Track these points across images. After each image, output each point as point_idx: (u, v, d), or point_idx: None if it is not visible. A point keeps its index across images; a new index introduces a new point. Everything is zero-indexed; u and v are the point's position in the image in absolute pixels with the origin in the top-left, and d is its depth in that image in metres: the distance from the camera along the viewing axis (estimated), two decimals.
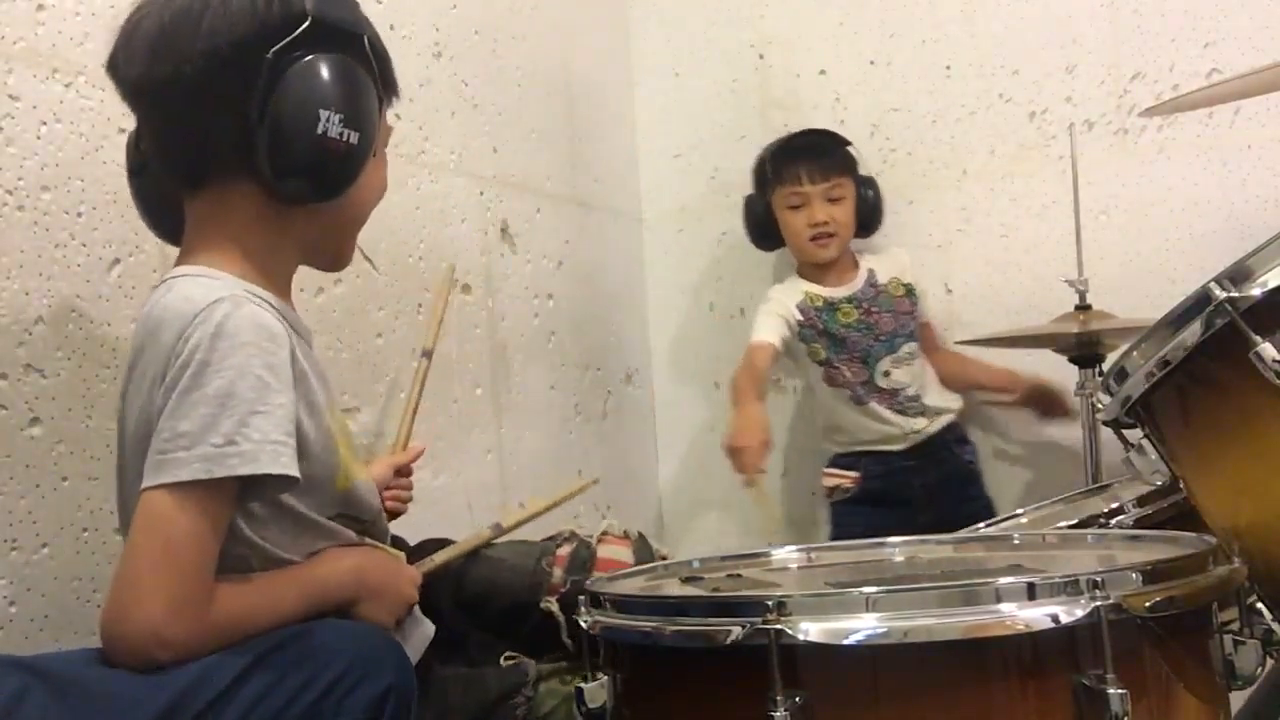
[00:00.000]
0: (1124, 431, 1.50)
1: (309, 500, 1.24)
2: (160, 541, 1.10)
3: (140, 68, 1.22)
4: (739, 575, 1.37)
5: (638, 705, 1.17)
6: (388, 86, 1.33)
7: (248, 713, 1.06)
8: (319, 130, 1.20)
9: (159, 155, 1.29)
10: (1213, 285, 1.23)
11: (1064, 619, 1.01)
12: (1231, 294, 1.22)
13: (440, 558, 1.51)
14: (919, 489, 2.42)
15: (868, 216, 2.54)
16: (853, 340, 2.47)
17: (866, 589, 1.07)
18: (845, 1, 2.73)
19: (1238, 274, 1.23)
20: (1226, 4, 2.43)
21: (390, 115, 1.36)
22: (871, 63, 2.72)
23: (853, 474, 2.48)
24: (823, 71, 2.76)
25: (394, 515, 1.67)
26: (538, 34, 2.53)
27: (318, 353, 1.35)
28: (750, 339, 2.47)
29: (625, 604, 1.17)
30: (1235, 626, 1.16)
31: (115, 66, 1.25)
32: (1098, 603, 1.00)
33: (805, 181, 2.48)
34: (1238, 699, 1.18)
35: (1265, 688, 1.51)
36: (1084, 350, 2.14)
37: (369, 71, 1.27)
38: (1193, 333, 1.25)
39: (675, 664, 1.12)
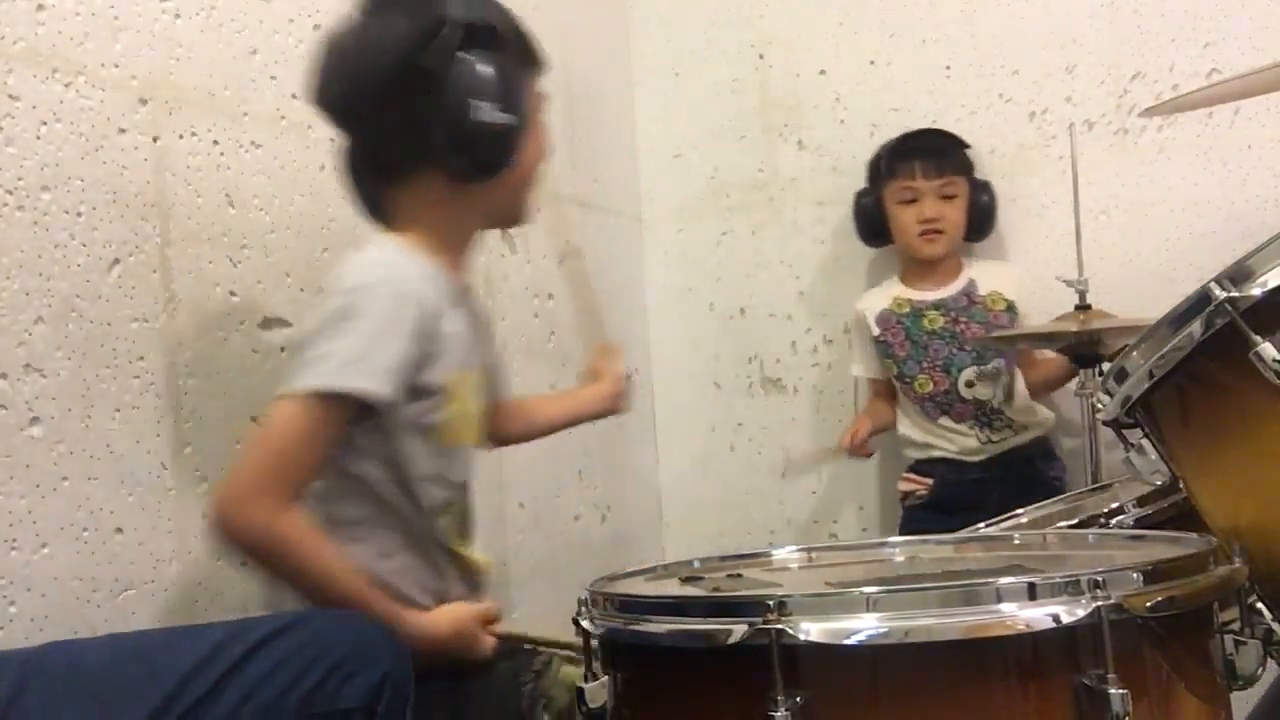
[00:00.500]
0: (1124, 431, 1.50)
1: (411, 442, 1.43)
2: (270, 432, 1.36)
3: (334, 94, 1.48)
4: (739, 575, 1.37)
5: (638, 705, 1.17)
6: (530, 60, 1.56)
7: (245, 700, 1.07)
8: (475, 117, 1.42)
9: (362, 161, 1.54)
10: (1213, 285, 1.23)
11: (1065, 619, 1.01)
12: (1231, 294, 1.22)
13: (524, 631, 1.56)
14: (995, 502, 2.25)
15: (980, 219, 2.51)
16: (935, 348, 2.45)
17: (867, 589, 1.07)
18: (845, 1, 2.74)
19: (1238, 274, 1.23)
20: (1226, 4, 2.43)
21: None
22: (871, 63, 2.72)
23: (928, 481, 2.46)
24: (823, 71, 2.76)
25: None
26: (538, 34, 2.51)
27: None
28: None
29: (625, 604, 1.16)
30: (1236, 626, 1.16)
31: (317, 97, 1.49)
32: (1098, 603, 1.00)
33: (919, 176, 2.46)
34: (1238, 699, 1.18)
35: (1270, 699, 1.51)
36: (1084, 350, 2.14)
37: (509, 55, 1.48)
38: (1193, 333, 1.25)
39: (675, 664, 1.12)
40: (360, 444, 1.41)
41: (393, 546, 1.44)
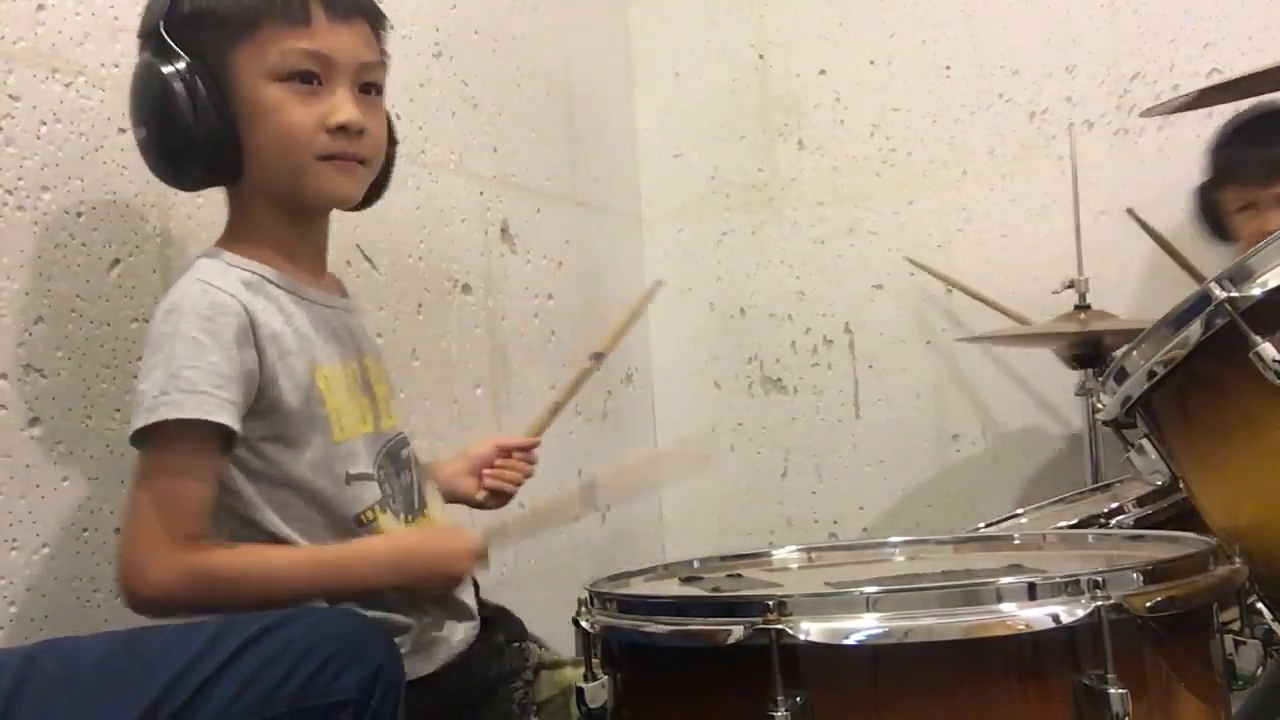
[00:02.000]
0: (1124, 431, 1.50)
1: (297, 456, 1.31)
2: (137, 488, 1.27)
3: None
4: (739, 575, 1.37)
5: (638, 705, 1.17)
6: (222, 28, 1.31)
7: (237, 696, 1.07)
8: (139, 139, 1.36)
9: None
10: (1213, 285, 1.23)
11: (1065, 619, 1.01)
12: (1231, 294, 1.22)
13: (516, 527, 1.47)
14: None
15: None
16: None
17: (867, 589, 1.07)
18: (845, 1, 2.73)
19: (1238, 274, 1.23)
20: (1226, 4, 2.43)
21: (346, 94, 1.34)
22: (871, 63, 2.72)
23: None
24: (823, 71, 2.76)
25: (497, 494, 1.70)
26: (538, 34, 2.53)
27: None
28: None
29: (625, 604, 1.17)
30: (1236, 626, 1.16)
31: None
32: (1098, 603, 1.00)
33: (1254, 182, 2.09)
34: (1238, 699, 1.18)
35: (1263, 689, 1.51)
36: (1084, 350, 2.14)
37: (177, 49, 1.31)
38: (1193, 333, 1.25)
39: (675, 664, 1.12)
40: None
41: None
